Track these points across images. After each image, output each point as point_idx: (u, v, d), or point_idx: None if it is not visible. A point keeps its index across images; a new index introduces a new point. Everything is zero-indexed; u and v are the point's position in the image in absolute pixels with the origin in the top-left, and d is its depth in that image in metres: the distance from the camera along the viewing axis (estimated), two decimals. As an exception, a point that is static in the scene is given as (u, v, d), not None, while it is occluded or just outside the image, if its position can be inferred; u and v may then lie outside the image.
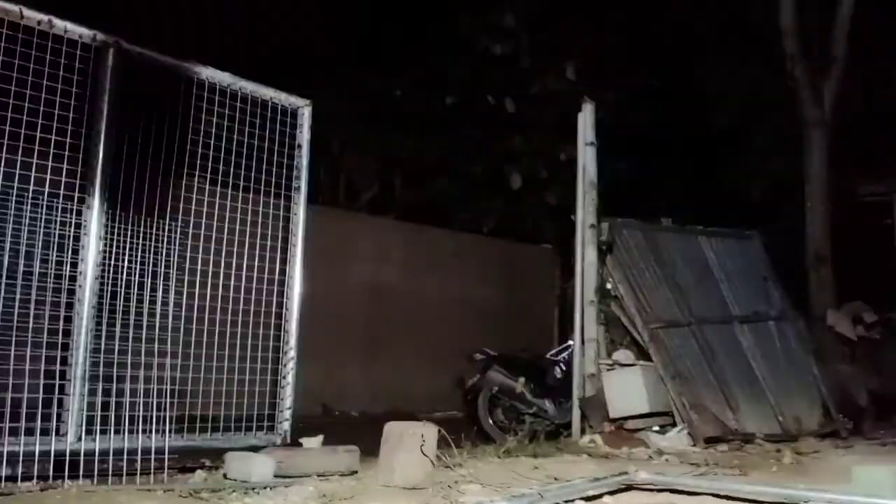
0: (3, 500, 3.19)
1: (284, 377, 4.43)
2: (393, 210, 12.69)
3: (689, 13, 13.53)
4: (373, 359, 10.00)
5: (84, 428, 3.65)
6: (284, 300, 4.53)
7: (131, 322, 3.90)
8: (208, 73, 4.25)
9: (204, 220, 4.24)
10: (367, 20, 11.65)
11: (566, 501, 3.57)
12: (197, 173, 4.19)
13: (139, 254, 4.03)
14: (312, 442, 4.33)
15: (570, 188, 7.19)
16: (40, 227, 3.68)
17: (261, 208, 4.52)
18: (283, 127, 4.56)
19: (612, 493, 3.84)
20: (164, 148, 4.03)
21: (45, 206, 3.67)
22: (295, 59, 11.83)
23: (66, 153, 3.64)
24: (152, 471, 3.76)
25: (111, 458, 3.68)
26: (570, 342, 6.97)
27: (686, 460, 5.45)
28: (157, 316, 4.01)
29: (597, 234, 6.79)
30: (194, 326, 4.16)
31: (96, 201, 3.75)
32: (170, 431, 3.88)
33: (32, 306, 3.58)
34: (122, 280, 3.91)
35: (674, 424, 6.47)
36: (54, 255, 3.72)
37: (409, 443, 3.85)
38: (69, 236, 3.74)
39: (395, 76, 11.92)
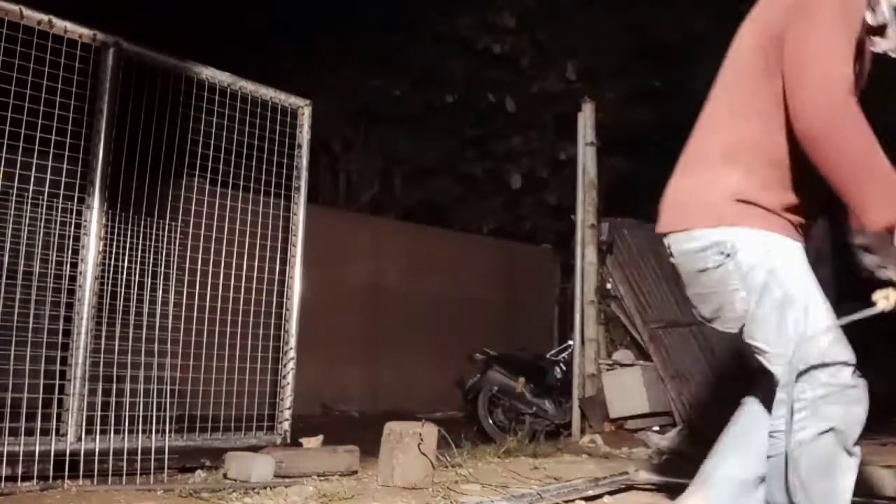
0: (3, 500, 3.19)
1: (284, 377, 4.43)
2: (393, 210, 12.69)
3: (690, 12, 13.53)
4: (373, 359, 10.00)
5: (84, 428, 3.64)
6: (284, 300, 4.53)
7: (131, 322, 3.90)
8: (208, 73, 4.25)
9: (204, 220, 4.24)
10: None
11: (566, 501, 3.58)
12: (197, 173, 4.20)
13: (139, 254, 4.03)
14: (312, 442, 4.33)
15: (570, 188, 7.19)
16: (40, 227, 3.67)
17: (261, 208, 4.53)
18: (283, 127, 4.56)
19: (612, 493, 3.85)
20: (164, 148, 4.03)
21: (45, 206, 3.67)
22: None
23: (66, 153, 3.64)
24: (152, 471, 3.77)
25: (111, 458, 3.68)
26: (570, 342, 6.96)
27: (686, 460, 5.45)
28: (157, 316, 4.02)
29: (597, 234, 6.79)
30: (194, 326, 4.17)
31: (96, 201, 3.76)
32: (170, 431, 3.88)
33: (32, 306, 3.58)
34: (122, 280, 3.91)
35: (674, 424, 6.47)
36: (54, 255, 3.72)
37: (409, 443, 3.85)
38: (69, 236, 3.74)
39: (395, 76, 11.93)
